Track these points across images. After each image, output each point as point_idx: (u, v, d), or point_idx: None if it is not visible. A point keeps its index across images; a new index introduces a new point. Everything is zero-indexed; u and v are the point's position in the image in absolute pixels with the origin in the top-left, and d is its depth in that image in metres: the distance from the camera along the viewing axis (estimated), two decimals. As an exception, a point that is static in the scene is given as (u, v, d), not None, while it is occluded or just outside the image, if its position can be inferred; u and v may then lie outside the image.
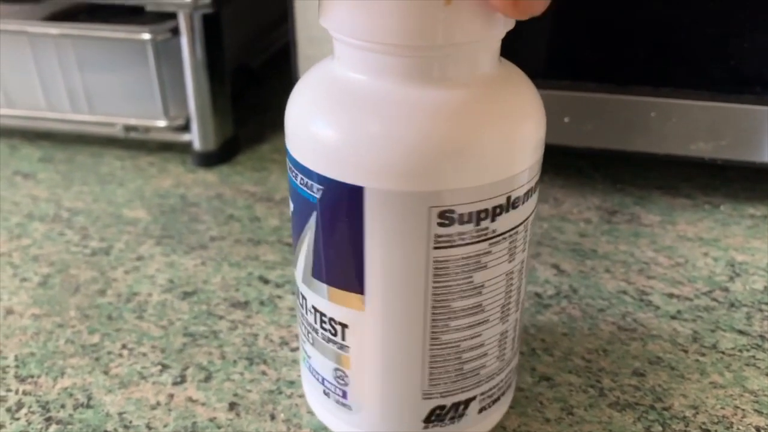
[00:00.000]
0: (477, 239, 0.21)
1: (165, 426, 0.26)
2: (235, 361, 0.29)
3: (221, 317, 0.32)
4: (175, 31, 0.42)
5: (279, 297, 0.33)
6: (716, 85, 0.36)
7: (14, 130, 0.48)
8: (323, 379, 0.24)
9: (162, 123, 0.44)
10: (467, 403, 0.24)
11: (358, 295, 0.21)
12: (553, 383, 0.28)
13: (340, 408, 0.24)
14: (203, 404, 0.27)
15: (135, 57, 0.43)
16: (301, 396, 0.27)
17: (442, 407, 0.23)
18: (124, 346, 0.30)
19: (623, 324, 0.31)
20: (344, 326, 0.22)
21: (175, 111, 0.44)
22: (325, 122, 0.20)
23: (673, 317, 0.32)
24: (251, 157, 0.46)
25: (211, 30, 0.42)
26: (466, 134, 0.20)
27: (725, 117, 0.36)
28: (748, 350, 0.30)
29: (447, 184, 0.20)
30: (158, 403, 0.27)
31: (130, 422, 0.26)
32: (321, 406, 0.25)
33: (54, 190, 0.42)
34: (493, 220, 0.20)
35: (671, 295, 0.33)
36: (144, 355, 0.29)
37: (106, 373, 0.29)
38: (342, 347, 0.23)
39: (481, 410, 0.24)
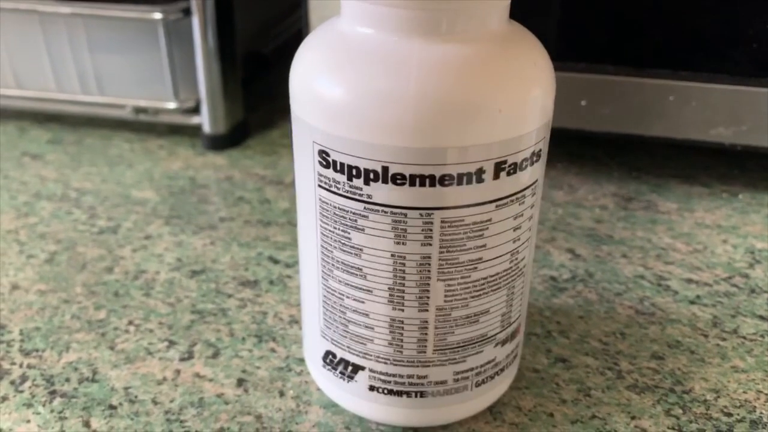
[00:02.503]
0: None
1: (171, 401, 0.25)
2: (243, 339, 0.28)
3: (230, 295, 0.31)
4: (187, 12, 0.41)
5: (289, 277, 0.32)
6: (737, 69, 0.35)
7: (24, 112, 0.48)
8: None
9: (172, 105, 0.44)
10: (356, 369, 0.23)
11: None
12: (569, 365, 0.27)
13: None
14: (211, 380, 0.26)
15: (146, 38, 0.42)
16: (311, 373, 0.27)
17: (333, 355, 0.24)
18: (130, 323, 0.29)
19: (641, 308, 0.30)
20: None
21: (186, 93, 0.44)
22: (331, 77, 0.20)
23: (692, 302, 0.31)
24: (261, 141, 0.45)
25: (223, 11, 0.42)
26: (474, 90, 0.19)
27: (746, 101, 0.35)
28: (769, 336, 0.29)
29: (452, 141, 0.19)
30: (165, 379, 0.27)
31: (136, 397, 0.26)
32: None
33: (62, 171, 0.41)
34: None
35: (690, 281, 0.32)
36: (151, 331, 0.29)
37: (111, 348, 0.28)
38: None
39: (372, 388, 0.23)
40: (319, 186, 0.21)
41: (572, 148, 0.44)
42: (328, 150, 0.20)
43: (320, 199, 0.21)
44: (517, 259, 0.22)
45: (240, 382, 0.26)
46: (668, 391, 0.26)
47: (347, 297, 0.22)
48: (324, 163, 0.20)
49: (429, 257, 0.21)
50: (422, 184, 0.20)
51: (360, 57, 0.20)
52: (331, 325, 0.23)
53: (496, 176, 0.20)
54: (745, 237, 0.36)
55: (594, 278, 0.32)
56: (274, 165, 0.42)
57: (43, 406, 0.25)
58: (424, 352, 0.22)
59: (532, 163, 0.21)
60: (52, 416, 0.25)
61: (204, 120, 0.44)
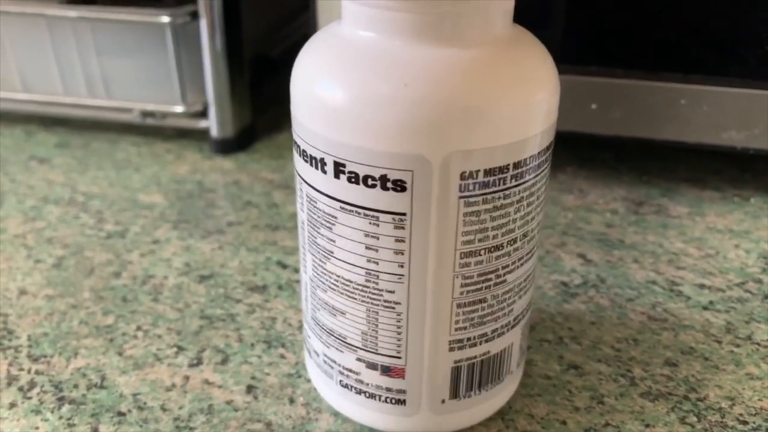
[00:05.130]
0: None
1: (180, 408, 0.25)
2: (252, 345, 0.28)
3: (239, 301, 0.31)
4: (195, 15, 0.41)
5: (297, 282, 0.32)
6: (749, 72, 0.35)
7: (31, 116, 0.48)
8: None
9: (179, 109, 0.43)
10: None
11: None
12: (582, 372, 0.27)
13: None
14: (220, 387, 0.26)
15: (153, 41, 0.42)
16: (321, 380, 0.26)
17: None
18: (138, 328, 0.29)
19: (653, 314, 0.30)
20: None
21: (193, 97, 0.44)
22: (332, 81, 0.19)
23: (705, 308, 0.31)
24: (269, 145, 0.45)
25: (231, 15, 0.42)
26: (478, 95, 0.19)
27: (758, 105, 0.35)
28: (784, 342, 0.29)
29: (456, 146, 0.19)
30: (173, 385, 0.26)
31: (145, 403, 0.25)
32: None
33: (69, 175, 0.41)
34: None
35: (702, 286, 0.32)
36: (159, 337, 0.29)
37: (120, 354, 0.28)
38: None
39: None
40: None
41: (582, 151, 0.44)
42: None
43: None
44: (375, 281, 0.21)
45: (249, 389, 0.26)
46: (682, 398, 0.26)
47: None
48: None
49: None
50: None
51: (362, 61, 0.19)
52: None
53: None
54: (757, 242, 0.35)
55: (606, 283, 0.32)
56: (282, 169, 0.42)
57: (52, 412, 0.25)
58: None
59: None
60: (60, 423, 0.25)
61: (211, 124, 0.43)
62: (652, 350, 0.28)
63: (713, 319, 0.30)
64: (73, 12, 0.42)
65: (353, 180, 0.20)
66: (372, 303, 0.22)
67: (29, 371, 0.27)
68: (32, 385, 0.26)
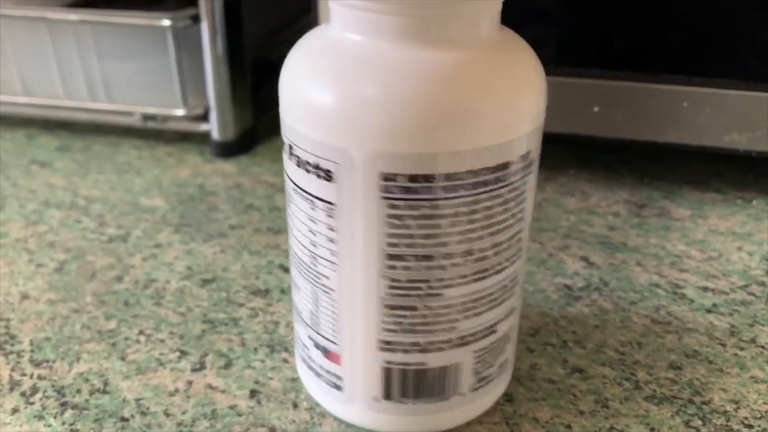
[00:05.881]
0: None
1: (183, 413, 0.25)
2: (255, 349, 0.28)
3: (241, 305, 0.31)
4: (196, 19, 0.41)
5: (300, 285, 0.32)
6: (752, 74, 0.35)
7: (32, 120, 0.48)
8: None
9: (181, 112, 0.43)
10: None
11: None
12: (586, 375, 0.27)
13: None
14: (223, 391, 0.26)
15: (154, 45, 0.42)
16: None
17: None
18: (141, 332, 0.29)
19: (657, 317, 0.30)
20: None
21: (194, 100, 0.44)
22: (319, 84, 0.20)
23: (709, 311, 0.31)
24: (270, 148, 0.45)
25: (232, 18, 0.42)
26: (464, 97, 0.19)
27: (761, 107, 0.35)
28: (788, 345, 0.29)
29: (443, 147, 0.19)
30: (176, 390, 0.26)
31: (148, 408, 0.25)
32: None
33: (71, 179, 0.41)
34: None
35: (706, 289, 0.32)
36: (162, 341, 0.29)
37: (122, 359, 0.28)
38: None
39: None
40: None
41: (584, 154, 0.43)
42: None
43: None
44: (315, 264, 0.22)
45: (253, 394, 0.26)
46: (687, 402, 0.26)
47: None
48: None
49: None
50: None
51: (349, 63, 0.19)
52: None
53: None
54: (760, 244, 0.35)
55: (609, 286, 0.32)
56: (283, 172, 0.42)
57: (55, 418, 0.25)
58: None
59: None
60: (63, 429, 0.25)
61: (213, 127, 0.43)
62: (656, 353, 0.28)
63: (717, 322, 0.30)
64: (74, 15, 0.42)
65: (299, 164, 0.21)
66: (314, 284, 0.22)
67: (32, 376, 0.27)
68: (35, 390, 0.26)
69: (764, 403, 0.26)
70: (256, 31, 0.46)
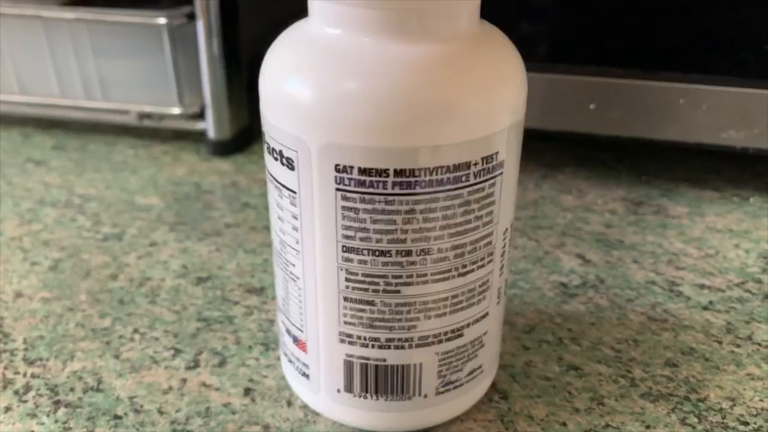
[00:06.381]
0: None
1: (177, 411, 0.25)
2: (250, 347, 0.28)
3: (236, 303, 0.31)
4: (192, 17, 0.41)
5: (295, 283, 0.32)
6: (748, 71, 0.35)
7: (28, 118, 0.48)
8: None
9: (176, 110, 0.43)
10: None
11: None
12: (581, 373, 0.27)
13: None
14: (217, 389, 0.26)
15: (150, 43, 0.42)
16: (319, 382, 0.26)
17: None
18: (135, 331, 0.29)
19: (653, 314, 0.30)
20: None
21: (190, 99, 0.43)
22: (299, 79, 0.19)
23: (705, 308, 0.30)
24: (267, 146, 0.45)
25: (228, 16, 0.41)
26: (442, 90, 0.19)
27: (757, 104, 0.35)
28: (785, 342, 0.28)
29: (395, 143, 0.19)
30: (170, 388, 0.26)
31: (141, 406, 0.25)
32: None
33: (66, 177, 0.41)
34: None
35: (702, 286, 0.32)
36: (156, 339, 0.29)
37: (116, 357, 0.28)
38: None
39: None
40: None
41: (581, 152, 0.43)
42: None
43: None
44: (284, 251, 0.22)
45: (247, 392, 0.26)
46: (683, 399, 0.26)
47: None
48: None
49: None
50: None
51: (328, 58, 0.19)
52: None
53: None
54: (757, 241, 0.35)
55: (605, 284, 0.32)
56: (280, 170, 0.42)
57: (48, 416, 0.25)
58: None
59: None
60: (56, 427, 0.24)
61: (209, 125, 0.43)
62: (652, 351, 0.28)
63: (713, 319, 0.30)
64: (69, 14, 0.42)
65: (269, 150, 0.21)
66: (284, 271, 0.23)
67: (25, 374, 0.27)
68: (28, 388, 0.26)
69: (760, 400, 0.26)
70: (252, 30, 0.45)
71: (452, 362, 0.23)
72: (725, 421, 0.25)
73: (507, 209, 0.22)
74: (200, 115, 0.44)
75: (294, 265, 0.22)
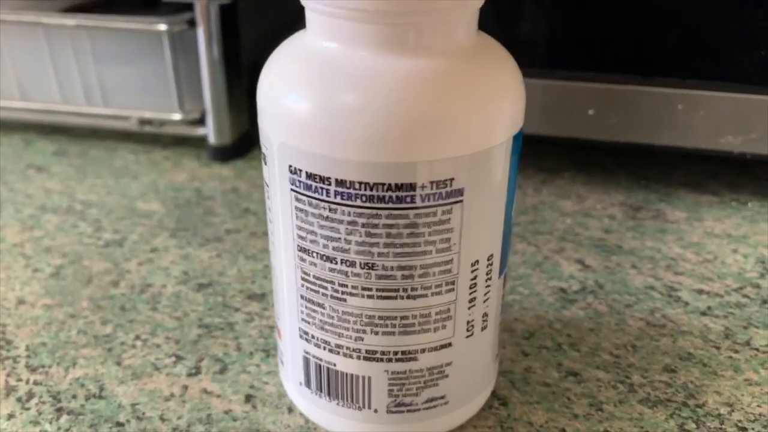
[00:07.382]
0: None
1: (179, 418, 0.25)
2: (251, 353, 0.28)
3: (237, 309, 0.31)
4: (192, 23, 0.41)
5: (296, 290, 0.32)
6: (746, 77, 0.35)
7: (29, 124, 0.48)
8: None
9: (177, 116, 0.43)
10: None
11: None
12: (580, 378, 0.27)
13: None
14: (218, 396, 0.26)
15: (151, 49, 0.42)
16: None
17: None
18: (137, 337, 0.29)
19: (652, 320, 0.30)
20: None
21: (191, 104, 0.44)
22: (296, 92, 0.20)
23: (704, 313, 0.31)
24: (267, 152, 0.45)
25: (228, 22, 0.42)
26: (441, 104, 0.19)
27: (755, 109, 0.35)
28: (783, 347, 0.29)
29: (336, 153, 0.19)
30: (172, 395, 0.26)
31: (143, 413, 0.25)
32: None
33: (67, 183, 0.41)
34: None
35: (701, 292, 0.32)
36: (158, 346, 0.29)
37: (118, 363, 0.28)
38: None
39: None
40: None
41: (580, 157, 0.44)
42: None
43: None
44: (272, 242, 0.23)
45: (248, 398, 0.26)
46: (681, 404, 0.26)
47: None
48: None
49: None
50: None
51: (325, 72, 0.19)
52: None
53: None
54: (755, 246, 0.35)
55: (604, 289, 0.32)
56: (280, 176, 0.42)
57: (50, 423, 0.25)
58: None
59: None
60: (58, 434, 0.25)
61: (209, 131, 0.43)
62: (651, 356, 0.28)
63: (712, 324, 0.30)
64: (70, 20, 0.42)
65: (263, 158, 0.22)
66: (271, 260, 0.24)
67: (27, 381, 0.27)
68: (30, 395, 0.26)
69: (758, 405, 0.26)
70: (252, 35, 0.46)
71: (405, 384, 0.22)
72: (723, 426, 0.25)
73: (476, 239, 0.21)
74: (201, 121, 0.44)
75: (272, 255, 0.23)
